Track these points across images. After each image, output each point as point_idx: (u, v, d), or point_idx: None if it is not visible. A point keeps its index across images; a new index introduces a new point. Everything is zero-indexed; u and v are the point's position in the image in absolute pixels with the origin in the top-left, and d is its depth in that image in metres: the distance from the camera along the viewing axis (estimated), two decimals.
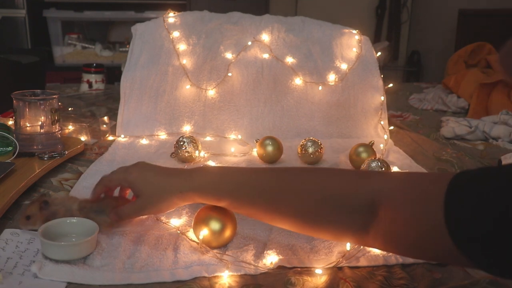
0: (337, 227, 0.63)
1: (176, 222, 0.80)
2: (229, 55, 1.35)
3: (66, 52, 3.28)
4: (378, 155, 1.12)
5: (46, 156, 1.02)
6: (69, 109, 1.58)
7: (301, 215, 0.65)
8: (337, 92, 1.35)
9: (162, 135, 1.29)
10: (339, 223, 0.62)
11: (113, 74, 2.71)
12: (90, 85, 1.87)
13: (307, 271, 0.68)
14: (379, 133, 1.35)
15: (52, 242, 0.67)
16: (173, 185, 0.71)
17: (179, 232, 0.77)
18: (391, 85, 1.43)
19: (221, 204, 0.70)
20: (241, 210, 0.71)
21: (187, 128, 1.31)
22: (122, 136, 1.29)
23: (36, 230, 0.71)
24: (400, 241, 0.57)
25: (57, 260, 0.67)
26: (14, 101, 1.04)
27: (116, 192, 0.81)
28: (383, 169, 0.97)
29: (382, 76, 1.38)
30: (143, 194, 0.72)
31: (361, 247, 0.73)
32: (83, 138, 1.23)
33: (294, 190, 0.66)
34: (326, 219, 0.63)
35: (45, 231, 0.69)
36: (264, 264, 0.69)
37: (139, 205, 0.73)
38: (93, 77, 1.87)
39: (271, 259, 0.69)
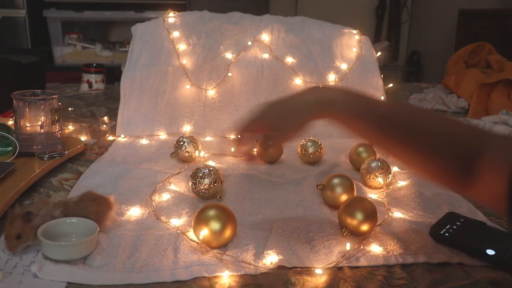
0: (446, 168, 0.65)
1: (176, 222, 0.80)
2: (229, 55, 1.35)
3: (66, 52, 3.28)
4: (378, 155, 1.12)
5: (46, 156, 1.02)
6: (69, 109, 1.58)
7: (423, 151, 0.66)
8: None
9: (162, 135, 1.29)
10: (450, 165, 0.65)
11: (113, 74, 2.71)
12: (90, 85, 1.87)
13: (307, 271, 0.68)
14: None
15: (52, 242, 0.67)
16: (308, 98, 0.70)
17: (179, 232, 0.77)
18: (391, 85, 1.43)
19: (352, 123, 0.69)
20: (368, 134, 0.71)
21: (187, 128, 1.31)
22: (122, 136, 1.29)
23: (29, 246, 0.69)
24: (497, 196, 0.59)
25: (57, 260, 0.67)
26: (14, 101, 1.04)
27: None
28: (383, 169, 0.97)
29: (382, 76, 1.38)
30: (276, 119, 0.71)
31: (361, 247, 0.73)
32: (83, 138, 1.23)
33: (432, 129, 0.67)
34: (441, 158, 0.65)
35: (45, 231, 0.69)
36: (264, 264, 0.69)
37: (276, 130, 0.71)
38: (93, 77, 1.87)
39: (271, 259, 0.69)
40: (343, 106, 0.68)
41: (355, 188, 0.88)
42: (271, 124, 0.72)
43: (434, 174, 0.70)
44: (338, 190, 0.86)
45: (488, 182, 0.61)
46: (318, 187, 0.88)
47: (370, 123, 0.68)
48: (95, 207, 0.76)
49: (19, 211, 0.69)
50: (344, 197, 0.85)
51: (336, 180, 0.88)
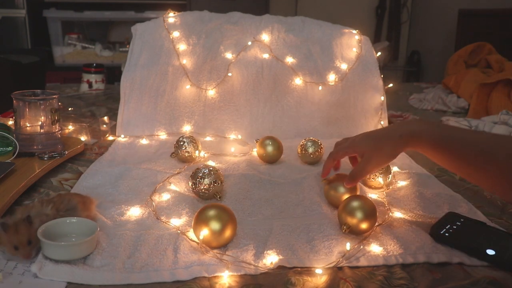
0: None
1: (176, 222, 0.80)
2: (229, 55, 1.35)
3: (66, 52, 3.28)
4: None
5: (46, 156, 1.02)
6: (69, 109, 1.58)
7: (505, 177, 0.69)
8: (337, 92, 1.35)
9: (162, 135, 1.29)
10: None
11: (113, 74, 2.71)
12: (90, 85, 1.87)
13: (307, 271, 0.68)
14: None
15: (52, 242, 0.67)
16: (392, 132, 0.79)
17: (179, 232, 0.77)
18: (391, 85, 1.43)
19: (433, 151, 0.75)
20: (450, 162, 0.75)
21: (187, 128, 1.31)
22: (122, 136, 1.29)
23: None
24: None
25: (57, 260, 0.67)
26: (14, 101, 1.04)
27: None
28: (383, 169, 0.97)
29: (382, 76, 1.38)
30: (367, 148, 0.81)
31: (361, 247, 0.73)
32: (83, 138, 1.23)
33: (506, 153, 0.69)
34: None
35: (45, 231, 0.69)
36: (264, 264, 0.69)
37: (366, 159, 0.80)
38: (93, 77, 1.87)
39: (271, 259, 0.69)
40: (423, 137, 0.75)
41: (358, 190, 0.88)
42: (363, 152, 0.81)
43: None
44: (341, 189, 0.86)
45: None
46: (324, 180, 0.90)
47: (447, 152, 0.74)
48: (78, 197, 0.77)
49: (19, 218, 0.68)
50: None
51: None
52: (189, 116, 1.32)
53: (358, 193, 0.88)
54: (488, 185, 0.74)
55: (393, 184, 1.00)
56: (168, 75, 1.33)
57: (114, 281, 0.64)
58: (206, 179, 0.88)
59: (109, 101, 1.71)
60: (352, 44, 1.41)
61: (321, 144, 1.12)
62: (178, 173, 1.02)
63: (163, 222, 0.80)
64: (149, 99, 1.32)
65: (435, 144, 0.75)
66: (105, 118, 1.35)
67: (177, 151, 1.10)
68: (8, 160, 0.98)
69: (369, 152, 0.80)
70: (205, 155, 1.15)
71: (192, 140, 1.10)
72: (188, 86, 1.33)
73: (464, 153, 0.73)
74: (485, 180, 0.73)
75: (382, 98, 1.37)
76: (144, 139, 1.26)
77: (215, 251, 0.71)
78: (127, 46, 2.70)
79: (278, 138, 1.14)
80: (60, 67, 3.24)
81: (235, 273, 0.67)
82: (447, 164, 0.76)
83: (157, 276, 0.66)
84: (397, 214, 0.86)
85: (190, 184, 0.91)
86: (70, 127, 1.28)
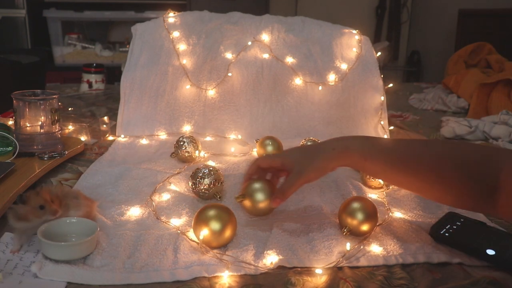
0: (464, 193, 0.68)
1: (176, 222, 0.80)
2: (229, 55, 1.35)
3: (66, 52, 3.28)
4: None
5: (46, 156, 1.02)
6: (69, 109, 1.58)
7: (436, 181, 0.70)
8: (337, 92, 1.35)
9: (162, 135, 1.29)
10: (467, 189, 0.68)
11: (113, 74, 2.71)
12: (90, 85, 1.87)
13: (307, 271, 0.68)
14: (379, 133, 1.35)
15: (52, 242, 0.67)
16: (325, 145, 0.77)
17: (179, 232, 0.77)
18: (391, 85, 1.43)
19: (367, 164, 0.74)
20: (382, 173, 0.76)
21: (187, 128, 1.31)
22: (122, 136, 1.29)
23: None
24: None
25: (57, 260, 0.67)
26: (14, 101, 1.04)
27: (268, 176, 0.84)
28: None
29: (382, 76, 1.38)
30: (298, 161, 0.76)
31: (361, 247, 0.73)
32: (83, 138, 1.23)
33: (435, 155, 0.71)
34: (457, 184, 0.68)
35: (45, 231, 0.69)
36: (264, 264, 0.69)
37: (296, 173, 0.75)
38: (93, 77, 1.87)
39: (271, 259, 0.69)
40: (354, 150, 0.75)
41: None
42: (292, 166, 0.77)
43: (456, 201, 0.72)
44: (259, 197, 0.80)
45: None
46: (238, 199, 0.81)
47: (378, 163, 0.74)
48: (75, 192, 0.77)
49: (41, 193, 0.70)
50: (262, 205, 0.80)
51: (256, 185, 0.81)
52: (189, 116, 1.32)
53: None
54: (422, 190, 0.75)
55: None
56: (168, 75, 1.33)
57: (114, 281, 0.64)
58: (206, 179, 0.88)
59: (109, 101, 1.71)
60: (352, 44, 1.41)
61: None
62: (178, 173, 1.02)
63: (163, 222, 0.80)
64: (149, 99, 1.32)
65: (365, 156, 0.74)
66: (105, 118, 1.35)
67: (177, 151, 1.10)
68: (8, 160, 0.98)
69: (299, 165, 0.76)
70: (205, 155, 1.15)
71: (192, 140, 1.10)
72: (188, 86, 1.33)
73: (392, 161, 0.73)
74: (417, 184, 0.73)
75: (382, 98, 1.37)
76: (144, 139, 1.26)
77: (215, 251, 0.71)
78: (127, 46, 2.70)
79: (278, 138, 1.14)
80: (60, 67, 3.24)
81: (235, 273, 0.67)
82: (379, 175, 0.77)
83: (157, 276, 0.66)
84: (397, 214, 0.86)
85: (190, 184, 0.91)
86: (70, 127, 1.28)
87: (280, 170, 0.81)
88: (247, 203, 0.81)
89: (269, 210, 0.82)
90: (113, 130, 1.32)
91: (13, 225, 0.70)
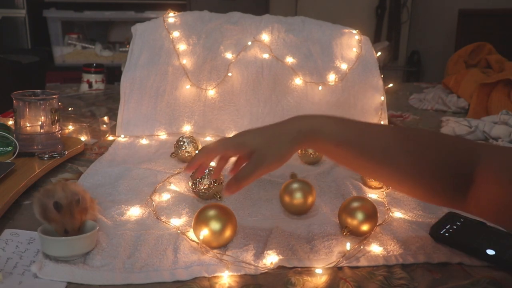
0: (436, 187, 0.65)
1: (176, 222, 0.80)
2: (229, 55, 1.35)
3: (66, 52, 3.28)
4: None
5: (46, 156, 1.02)
6: (69, 109, 1.58)
7: (410, 172, 0.66)
8: (337, 92, 1.35)
9: (162, 135, 1.29)
10: (440, 184, 0.65)
11: (113, 74, 2.71)
12: (90, 85, 1.87)
13: (307, 271, 0.68)
14: None
15: (51, 238, 0.67)
16: (289, 126, 0.67)
17: (179, 232, 0.77)
18: (391, 85, 1.43)
19: (338, 150, 0.67)
20: (353, 160, 0.69)
21: (187, 128, 1.31)
22: (122, 136, 1.29)
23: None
24: (499, 207, 0.59)
25: (57, 257, 0.67)
26: (14, 101, 1.04)
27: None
28: None
29: (382, 76, 1.38)
30: (259, 146, 0.67)
31: (361, 247, 0.73)
32: (83, 138, 1.23)
33: (411, 148, 0.66)
34: (429, 178, 0.65)
35: (45, 229, 0.69)
36: (264, 264, 0.69)
37: (257, 158, 0.66)
38: (93, 77, 1.87)
39: (271, 259, 0.69)
40: (324, 134, 0.66)
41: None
42: (250, 152, 0.67)
43: (426, 194, 0.69)
44: (298, 195, 0.84)
45: (489, 194, 0.60)
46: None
47: (350, 150, 0.67)
48: (77, 187, 0.76)
49: (69, 199, 0.68)
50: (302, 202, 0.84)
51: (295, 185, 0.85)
52: (189, 116, 1.32)
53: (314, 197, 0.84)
54: (391, 182, 0.72)
55: None
56: (168, 75, 1.33)
57: (114, 281, 0.64)
58: (206, 179, 0.88)
59: (109, 101, 1.71)
60: (352, 44, 1.41)
61: None
62: (178, 173, 1.02)
63: (163, 222, 0.80)
64: (149, 99, 1.32)
65: (337, 141, 0.66)
66: (105, 118, 1.35)
67: (177, 151, 1.10)
68: (8, 160, 0.98)
69: (260, 150, 0.66)
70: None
71: (192, 140, 1.10)
72: (188, 86, 1.33)
73: (365, 149, 0.67)
74: (387, 176, 0.69)
75: (382, 98, 1.37)
76: (144, 139, 1.26)
77: (215, 251, 0.71)
78: (127, 46, 2.70)
79: None
80: (60, 67, 3.24)
81: (235, 273, 0.67)
82: (348, 163, 0.70)
83: (157, 276, 0.66)
84: (397, 214, 0.86)
85: (190, 184, 0.91)
86: (70, 127, 1.28)
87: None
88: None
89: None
90: (113, 130, 1.32)
91: (35, 213, 0.70)
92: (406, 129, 0.74)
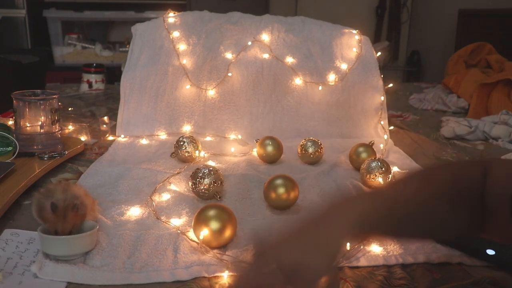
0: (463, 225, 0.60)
1: (176, 222, 0.80)
2: (229, 55, 1.35)
3: (66, 52, 3.28)
4: (378, 155, 1.12)
5: (46, 156, 1.02)
6: (69, 109, 1.58)
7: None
8: (337, 92, 1.35)
9: (162, 135, 1.29)
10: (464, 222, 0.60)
11: (113, 74, 2.70)
12: (90, 85, 1.87)
13: None
14: (379, 133, 1.35)
15: (51, 237, 0.67)
16: (333, 229, 0.52)
17: (179, 232, 0.77)
18: (391, 85, 1.43)
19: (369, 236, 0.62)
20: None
21: (187, 128, 1.31)
22: (122, 136, 1.29)
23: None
24: None
25: (57, 256, 0.67)
26: (14, 101, 1.04)
27: None
28: (383, 169, 0.97)
29: (382, 76, 1.38)
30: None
31: (361, 247, 0.73)
32: (83, 138, 1.23)
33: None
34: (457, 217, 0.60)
35: (45, 229, 0.69)
36: None
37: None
38: (93, 77, 1.87)
39: None
40: (370, 226, 0.54)
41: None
42: (287, 277, 0.49)
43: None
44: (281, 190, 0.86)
45: (498, 219, 0.58)
46: None
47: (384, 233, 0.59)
48: (79, 189, 0.75)
49: (66, 201, 0.69)
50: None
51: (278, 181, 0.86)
52: (189, 116, 1.32)
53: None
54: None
55: None
56: (168, 75, 1.33)
57: (114, 281, 0.64)
58: (206, 179, 0.88)
59: (109, 101, 1.71)
60: (352, 44, 1.41)
61: (321, 144, 1.12)
62: (178, 173, 1.02)
63: (163, 222, 0.80)
64: (149, 99, 1.32)
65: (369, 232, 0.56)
66: (105, 118, 1.35)
67: (177, 151, 1.10)
68: (8, 160, 0.98)
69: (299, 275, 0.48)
70: (205, 155, 1.15)
71: (192, 140, 1.10)
72: (188, 86, 1.33)
73: (394, 228, 0.58)
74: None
75: (382, 98, 1.37)
76: (144, 139, 1.26)
77: (215, 251, 0.71)
78: (127, 46, 2.70)
79: (278, 138, 1.14)
80: (60, 67, 3.23)
81: (235, 273, 0.67)
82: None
83: (157, 276, 0.66)
84: None
85: (190, 184, 0.91)
86: (70, 127, 1.28)
87: None
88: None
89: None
90: (113, 130, 1.32)
91: (32, 210, 0.71)
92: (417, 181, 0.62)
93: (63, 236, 0.68)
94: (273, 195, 0.86)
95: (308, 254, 0.50)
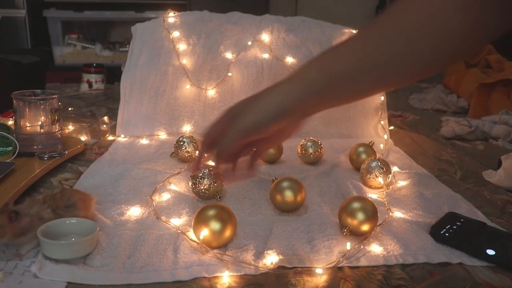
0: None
1: (176, 222, 0.80)
2: (229, 55, 1.35)
3: (66, 52, 3.28)
4: (378, 155, 1.12)
5: (46, 156, 1.02)
6: (69, 109, 1.58)
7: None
8: None
9: (162, 135, 1.29)
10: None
11: (113, 74, 2.70)
12: (90, 85, 1.87)
13: (307, 271, 0.68)
14: (379, 133, 1.35)
15: (52, 241, 0.67)
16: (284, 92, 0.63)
17: (179, 232, 0.77)
18: None
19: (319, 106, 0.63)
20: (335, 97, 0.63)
21: (187, 128, 1.31)
22: (122, 136, 1.29)
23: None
24: None
25: (57, 259, 0.67)
26: (14, 101, 1.04)
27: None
28: (383, 169, 0.97)
29: None
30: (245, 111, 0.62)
31: (361, 246, 0.73)
32: (83, 138, 1.23)
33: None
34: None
35: (45, 231, 0.69)
36: (264, 264, 0.69)
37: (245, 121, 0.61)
38: (93, 77, 1.87)
39: (271, 259, 0.69)
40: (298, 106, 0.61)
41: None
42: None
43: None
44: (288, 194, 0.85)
45: None
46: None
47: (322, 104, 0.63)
48: (78, 195, 0.77)
49: (7, 209, 0.69)
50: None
51: None
52: (189, 116, 1.32)
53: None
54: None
55: (393, 184, 1.00)
56: (168, 75, 1.33)
57: (114, 281, 0.64)
58: (206, 179, 0.88)
59: (109, 101, 1.71)
60: None
61: (321, 144, 1.12)
62: (178, 173, 1.02)
63: (163, 222, 0.80)
64: (149, 99, 1.32)
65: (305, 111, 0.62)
66: (105, 118, 1.35)
67: (177, 151, 1.10)
68: (8, 160, 0.98)
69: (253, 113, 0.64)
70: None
71: (192, 140, 1.10)
72: (188, 86, 1.33)
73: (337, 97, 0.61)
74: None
75: (382, 98, 1.37)
76: (144, 139, 1.26)
77: (215, 251, 0.71)
78: (127, 46, 2.70)
79: None
80: (60, 67, 3.23)
81: (235, 273, 0.67)
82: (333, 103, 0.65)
83: (157, 276, 0.66)
84: (397, 214, 0.86)
85: (190, 184, 0.91)
86: (70, 127, 1.28)
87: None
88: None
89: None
90: (113, 130, 1.32)
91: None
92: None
93: (63, 241, 0.68)
94: (279, 197, 0.85)
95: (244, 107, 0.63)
